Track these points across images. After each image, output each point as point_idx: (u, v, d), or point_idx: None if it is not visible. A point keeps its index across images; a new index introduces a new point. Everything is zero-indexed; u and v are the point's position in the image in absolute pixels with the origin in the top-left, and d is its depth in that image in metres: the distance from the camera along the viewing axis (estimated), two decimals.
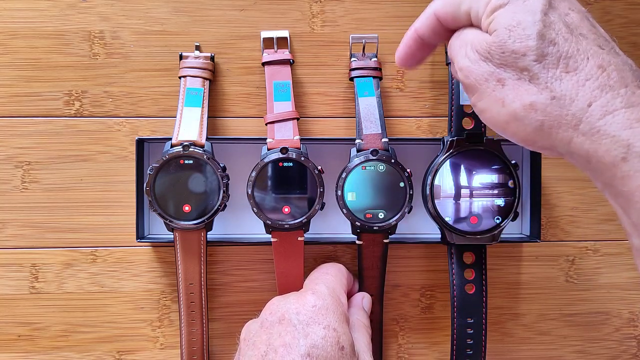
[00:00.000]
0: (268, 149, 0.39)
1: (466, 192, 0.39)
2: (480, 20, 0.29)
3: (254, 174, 0.38)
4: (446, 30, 0.32)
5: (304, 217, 0.38)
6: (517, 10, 0.27)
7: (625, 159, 0.23)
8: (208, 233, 0.40)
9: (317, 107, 0.44)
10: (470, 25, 0.31)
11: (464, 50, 0.29)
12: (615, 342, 0.45)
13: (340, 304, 0.34)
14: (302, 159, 0.38)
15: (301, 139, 0.39)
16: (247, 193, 0.38)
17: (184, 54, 0.42)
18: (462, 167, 0.39)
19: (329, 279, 0.36)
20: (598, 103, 0.24)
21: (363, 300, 0.39)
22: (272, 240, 0.39)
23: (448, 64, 0.41)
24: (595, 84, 0.25)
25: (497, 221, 0.39)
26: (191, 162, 0.38)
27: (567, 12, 0.28)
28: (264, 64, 0.41)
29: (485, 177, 0.39)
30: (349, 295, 0.39)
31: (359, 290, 0.41)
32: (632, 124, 0.23)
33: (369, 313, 0.39)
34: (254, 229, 0.42)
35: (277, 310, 0.33)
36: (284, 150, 0.38)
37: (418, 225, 0.44)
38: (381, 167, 0.39)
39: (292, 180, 0.39)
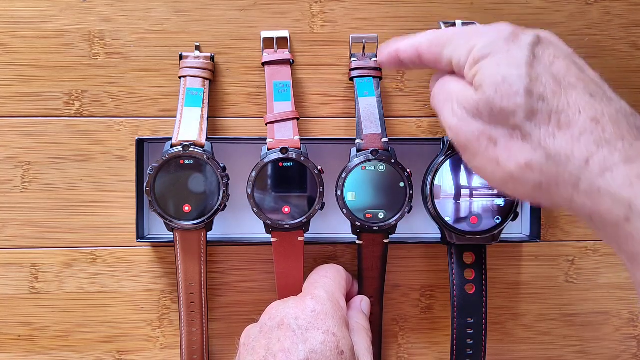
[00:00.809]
0: (268, 149, 0.39)
1: (466, 192, 0.39)
2: (462, 69, 0.29)
3: (254, 174, 0.38)
4: (426, 65, 0.32)
5: (304, 217, 0.38)
6: (501, 62, 0.26)
7: (628, 219, 0.22)
8: (208, 233, 0.40)
9: (317, 107, 0.44)
10: (452, 72, 0.30)
11: (450, 105, 0.29)
12: (615, 342, 0.45)
13: (340, 308, 0.34)
14: (302, 159, 0.38)
15: (301, 139, 0.39)
16: (247, 193, 0.38)
17: (184, 54, 0.42)
18: (462, 167, 0.39)
19: (327, 282, 0.36)
20: (595, 159, 0.23)
21: (362, 303, 0.39)
22: (272, 240, 0.39)
23: None
24: (590, 139, 0.24)
25: (497, 221, 0.39)
26: (191, 162, 0.38)
27: (552, 61, 0.26)
28: (264, 64, 0.41)
29: None
30: (349, 295, 0.39)
31: (359, 291, 0.41)
32: (633, 181, 0.22)
33: (368, 316, 0.38)
34: (254, 229, 0.42)
35: (276, 315, 0.33)
36: (284, 150, 0.38)
37: (418, 225, 0.44)
38: (381, 167, 0.39)
39: (292, 180, 0.39)
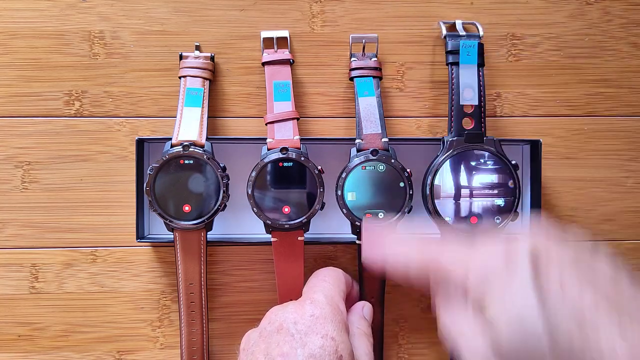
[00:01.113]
0: (268, 149, 0.39)
1: (466, 192, 0.39)
2: (461, 291, 0.27)
3: (254, 174, 0.38)
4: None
5: (304, 217, 0.38)
6: (507, 295, 0.24)
7: None
8: (208, 233, 0.40)
9: (317, 107, 0.44)
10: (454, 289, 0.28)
11: (466, 343, 0.26)
12: None
13: (339, 312, 0.34)
14: (302, 159, 0.38)
15: (301, 139, 0.39)
16: (247, 193, 0.38)
17: (184, 54, 0.42)
18: (462, 167, 0.39)
19: (326, 286, 0.36)
20: None
21: (364, 308, 0.38)
22: (272, 240, 0.39)
23: (448, 64, 0.41)
24: None
25: (497, 221, 0.39)
26: (191, 162, 0.38)
27: (561, 279, 0.24)
28: (264, 64, 0.41)
29: (485, 177, 0.39)
30: (349, 298, 0.39)
31: (360, 291, 0.41)
32: None
33: (370, 321, 0.38)
34: (254, 229, 0.42)
35: (275, 320, 0.33)
36: (284, 150, 0.38)
37: (418, 225, 0.43)
38: (381, 167, 0.39)
39: (292, 180, 0.39)
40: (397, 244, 0.32)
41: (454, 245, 0.29)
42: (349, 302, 0.39)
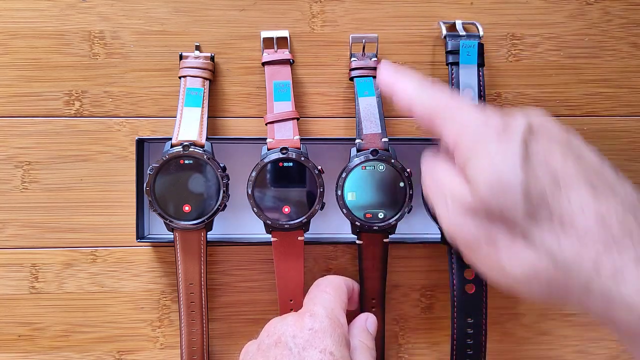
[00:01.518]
0: (268, 149, 0.39)
1: None
2: (452, 152, 0.27)
3: (254, 174, 0.38)
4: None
5: (304, 217, 0.38)
6: (493, 158, 0.25)
7: None
8: (208, 233, 0.40)
9: (317, 107, 0.44)
10: (444, 151, 0.29)
11: (444, 201, 0.27)
12: (615, 342, 0.45)
13: (339, 325, 0.33)
14: (302, 159, 0.38)
15: (301, 139, 0.39)
16: (247, 193, 0.38)
17: (184, 54, 0.42)
18: None
19: (327, 298, 0.35)
20: (605, 263, 0.22)
21: (367, 321, 0.38)
22: (272, 240, 0.39)
23: (448, 64, 0.41)
24: (597, 240, 0.22)
25: None
26: (191, 162, 0.38)
27: (547, 153, 0.25)
28: (264, 64, 0.41)
29: None
30: (351, 300, 0.39)
31: (360, 291, 0.41)
32: None
33: (374, 335, 0.37)
34: (254, 229, 0.42)
35: (274, 333, 0.32)
36: (284, 150, 0.38)
37: (418, 225, 0.43)
38: (381, 167, 0.39)
39: (292, 180, 0.39)
40: (412, 78, 0.31)
41: (463, 105, 0.28)
42: (351, 305, 0.39)
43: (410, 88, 0.30)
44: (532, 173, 0.24)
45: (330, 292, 0.36)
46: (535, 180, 0.24)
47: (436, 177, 0.28)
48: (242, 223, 0.43)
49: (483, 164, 0.25)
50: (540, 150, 0.25)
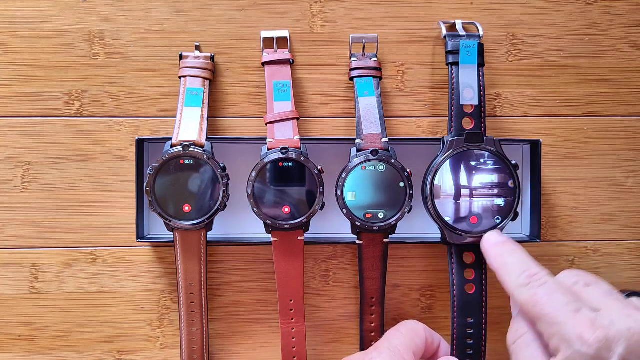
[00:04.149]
0: (268, 149, 0.39)
1: (466, 192, 0.39)
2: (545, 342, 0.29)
3: (254, 173, 0.38)
4: None
5: (304, 217, 0.38)
6: None
7: None
8: (208, 233, 0.40)
9: (317, 107, 0.44)
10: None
11: None
12: None
13: None
14: (302, 159, 0.38)
15: (301, 139, 0.39)
16: (247, 193, 0.38)
17: (184, 54, 0.42)
18: (462, 167, 0.39)
19: (397, 336, 0.36)
20: None
21: None
22: (272, 240, 0.39)
23: (448, 64, 0.41)
24: None
25: (497, 221, 0.39)
26: (191, 162, 0.38)
27: None
28: (264, 64, 0.41)
29: (485, 177, 0.39)
30: (428, 351, 0.38)
31: (360, 291, 0.41)
32: None
33: None
34: (254, 229, 0.42)
35: None
36: (284, 150, 0.38)
37: (418, 225, 0.44)
38: (381, 167, 0.39)
39: (292, 180, 0.39)
40: (515, 266, 0.33)
41: (566, 318, 0.29)
42: (429, 357, 0.39)
43: (510, 285, 0.32)
44: None
45: (403, 332, 0.37)
46: None
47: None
48: (242, 223, 0.43)
49: None
50: None
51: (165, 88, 0.43)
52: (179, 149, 0.38)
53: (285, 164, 0.38)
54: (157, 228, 0.43)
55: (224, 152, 0.42)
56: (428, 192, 0.39)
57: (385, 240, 0.39)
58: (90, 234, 0.43)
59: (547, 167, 0.44)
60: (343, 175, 0.38)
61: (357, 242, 0.40)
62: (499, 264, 0.34)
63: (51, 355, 0.43)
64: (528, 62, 0.44)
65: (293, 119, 0.40)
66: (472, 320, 0.39)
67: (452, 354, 0.39)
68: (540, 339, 0.30)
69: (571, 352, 0.27)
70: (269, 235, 0.39)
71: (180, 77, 0.41)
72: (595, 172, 0.45)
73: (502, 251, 0.34)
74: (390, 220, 0.39)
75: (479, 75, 0.40)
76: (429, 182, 0.39)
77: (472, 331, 0.39)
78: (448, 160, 0.39)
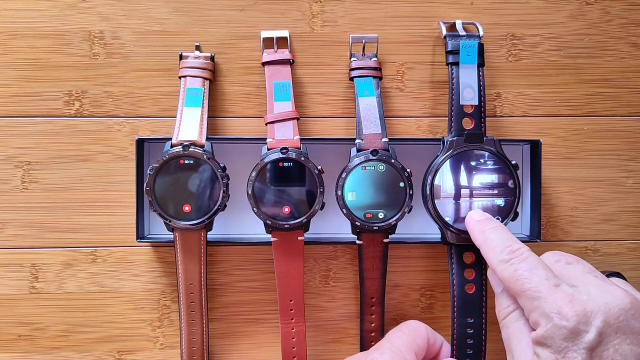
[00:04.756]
0: (268, 149, 0.39)
1: (466, 192, 0.39)
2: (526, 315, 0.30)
3: (254, 173, 0.38)
4: None
5: (304, 217, 0.38)
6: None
7: None
8: (208, 233, 0.40)
9: (317, 107, 0.44)
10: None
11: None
12: None
13: None
14: (302, 159, 0.38)
15: (301, 139, 0.39)
16: (247, 193, 0.38)
17: (184, 54, 0.42)
18: (462, 167, 0.39)
19: (398, 336, 0.37)
20: None
21: None
22: (272, 240, 0.39)
23: (448, 64, 0.41)
24: None
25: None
26: (191, 162, 0.38)
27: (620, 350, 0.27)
28: (264, 63, 0.41)
29: (485, 177, 0.39)
30: (430, 351, 0.38)
31: (360, 291, 0.41)
32: None
33: None
34: (254, 229, 0.42)
35: None
36: (284, 150, 0.38)
37: (418, 225, 0.44)
38: (381, 167, 0.39)
39: (292, 180, 0.39)
40: (498, 243, 0.33)
41: (545, 294, 0.29)
42: (431, 357, 0.39)
43: (493, 260, 0.33)
44: None
45: (405, 332, 0.37)
46: None
47: (515, 335, 0.31)
48: (242, 223, 0.43)
49: None
50: (609, 355, 0.27)
51: (165, 88, 0.43)
52: (179, 149, 0.38)
53: (285, 164, 0.38)
54: (157, 228, 0.43)
55: (224, 152, 0.42)
56: (428, 192, 0.39)
57: (385, 240, 0.40)
58: (90, 234, 0.43)
59: (547, 167, 0.44)
60: (343, 175, 0.38)
61: (357, 242, 0.40)
62: (482, 240, 0.34)
63: (51, 355, 0.43)
64: (528, 62, 0.44)
65: (293, 119, 0.40)
66: (472, 320, 0.39)
67: (452, 354, 0.39)
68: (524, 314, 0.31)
69: (550, 325, 0.28)
70: (269, 235, 0.39)
71: (180, 77, 0.41)
72: (595, 172, 0.45)
73: (485, 227, 0.35)
74: (390, 220, 0.39)
75: (479, 75, 0.40)
76: (429, 182, 0.39)
77: (472, 331, 0.39)
78: (448, 160, 0.39)
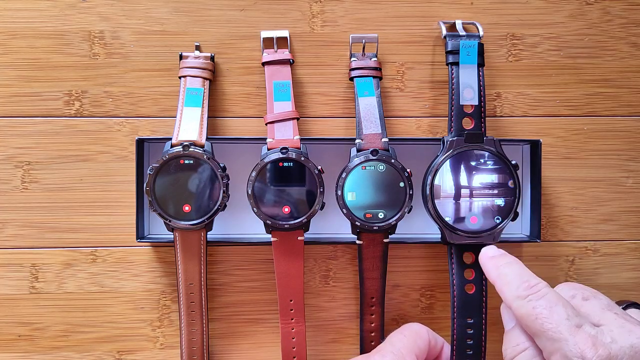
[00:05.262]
0: (268, 149, 0.39)
1: (466, 192, 0.39)
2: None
3: (254, 173, 0.38)
4: None
5: (304, 217, 0.38)
6: None
7: None
8: (208, 233, 0.40)
9: (317, 107, 0.44)
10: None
11: None
12: None
13: None
14: (302, 159, 0.38)
15: (301, 139, 0.39)
16: (247, 193, 0.38)
17: (184, 54, 0.42)
18: (462, 167, 0.39)
19: (399, 338, 0.37)
20: None
21: None
22: (272, 240, 0.39)
23: (448, 64, 0.41)
24: None
25: (497, 221, 0.39)
26: (191, 162, 0.38)
27: None
28: (264, 63, 0.41)
29: (485, 177, 0.39)
30: (431, 353, 0.39)
31: (360, 291, 0.41)
32: None
33: None
34: (254, 229, 0.42)
35: None
36: (284, 150, 0.38)
37: (418, 225, 0.44)
38: (381, 167, 0.39)
39: (292, 180, 0.39)
40: (513, 278, 0.32)
41: (562, 334, 0.28)
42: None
43: (508, 297, 0.32)
44: None
45: (406, 335, 0.37)
46: None
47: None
48: (242, 223, 0.43)
49: None
50: None
51: (165, 88, 0.43)
52: (179, 149, 0.38)
53: (285, 164, 0.38)
54: (157, 228, 0.43)
55: (224, 152, 0.42)
56: (428, 192, 0.39)
57: (385, 240, 0.40)
58: (90, 234, 0.43)
59: (547, 167, 0.44)
60: (343, 175, 0.38)
61: (357, 242, 0.40)
62: (496, 275, 0.33)
63: (51, 355, 0.43)
64: (528, 62, 0.44)
65: (293, 119, 0.40)
66: (472, 321, 0.39)
67: (451, 354, 0.39)
68: (541, 354, 0.29)
69: None
70: (269, 235, 0.39)
71: (180, 77, 0.41)
72: (595, 172, 0.45)
73: (499, 263, 0.34)
74: (390, 220, 0.39)
75: (479, 75, 0.40)
76: (429, 182, 0.39)
77: (472, 331, 0.39)
78: (448, 160, 0.39)
